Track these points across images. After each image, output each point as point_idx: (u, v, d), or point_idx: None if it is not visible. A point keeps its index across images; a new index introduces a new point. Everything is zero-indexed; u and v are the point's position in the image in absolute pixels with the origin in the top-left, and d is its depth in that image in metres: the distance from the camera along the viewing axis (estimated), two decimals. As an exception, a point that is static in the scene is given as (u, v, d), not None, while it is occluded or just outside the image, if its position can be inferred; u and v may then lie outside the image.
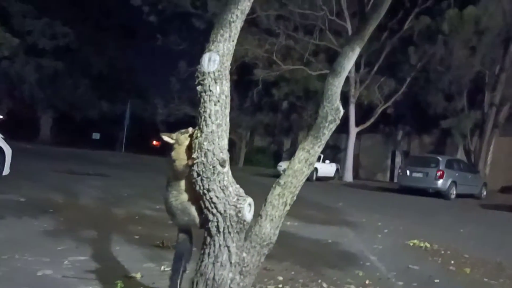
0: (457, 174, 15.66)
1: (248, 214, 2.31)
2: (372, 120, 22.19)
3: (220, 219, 2.28)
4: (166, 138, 2.40)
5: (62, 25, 27.48)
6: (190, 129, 2.38)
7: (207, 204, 2.28)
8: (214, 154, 2.26)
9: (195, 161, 2.27)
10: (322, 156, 19.43)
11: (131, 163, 19.04)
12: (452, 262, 4.89)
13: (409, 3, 20.01)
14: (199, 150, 2.27)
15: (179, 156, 2.36)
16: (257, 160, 29.88)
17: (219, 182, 2.27)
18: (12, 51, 24.31)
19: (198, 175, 2.27)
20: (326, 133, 2.64)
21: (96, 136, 35.12)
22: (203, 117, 2.29)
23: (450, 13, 18.98)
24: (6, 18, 24.97)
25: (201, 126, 2.29)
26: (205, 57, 2.32)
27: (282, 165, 20.88)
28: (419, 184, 15.61)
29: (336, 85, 2.65)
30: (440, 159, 15.89)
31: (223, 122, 2.32)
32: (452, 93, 20.66)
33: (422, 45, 20.04)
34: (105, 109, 31.43)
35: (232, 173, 2.36)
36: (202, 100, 2.30)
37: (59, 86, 28.88)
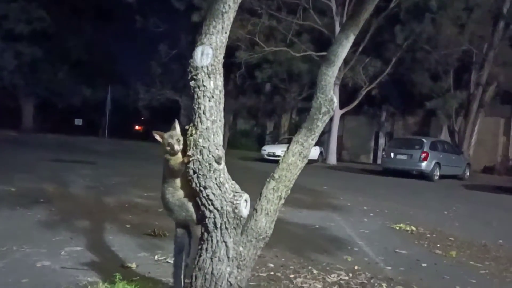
0: (441, 156, 15.82)
1: (244, 210, 2.34)
2: (356, 102, 22.07)
3: (217, 215, 2.30)
4: (157, 137, 2.36)
5: (37, 8, 26.60)
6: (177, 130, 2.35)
7: (204, 201, 2.29)
8: (209, 151, 2.26)
9: (190, 159, 2.26)
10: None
11: (117, 151, 18.93)
12: (438, 245, 5.01)
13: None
14: (194, 148, 2.26)
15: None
16: (241, 144, 29.78)
17: (215, 179, 2.28)
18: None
19: (194, 172, 2.27)
20: (320, 125, 2.56)
21: (78, 122, 34.80)
22: (197, 114, 2.26)
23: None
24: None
25: (196, 123, 2.27)
26: (198, 50, 2.27)
27: (266, 149, 20.93)
28: (403, 166, 15.79)
29: (330, 75, 2.52)
30: (425, 141, 16.03)
31: (218, 118, 2.31)
32: (439, 72, 20.67)
33: (409, 24, 19.63)
34: (87, 95, 30.89)
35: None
36: (195, 96, 2.27)
37: (39, 72, 28.17)
